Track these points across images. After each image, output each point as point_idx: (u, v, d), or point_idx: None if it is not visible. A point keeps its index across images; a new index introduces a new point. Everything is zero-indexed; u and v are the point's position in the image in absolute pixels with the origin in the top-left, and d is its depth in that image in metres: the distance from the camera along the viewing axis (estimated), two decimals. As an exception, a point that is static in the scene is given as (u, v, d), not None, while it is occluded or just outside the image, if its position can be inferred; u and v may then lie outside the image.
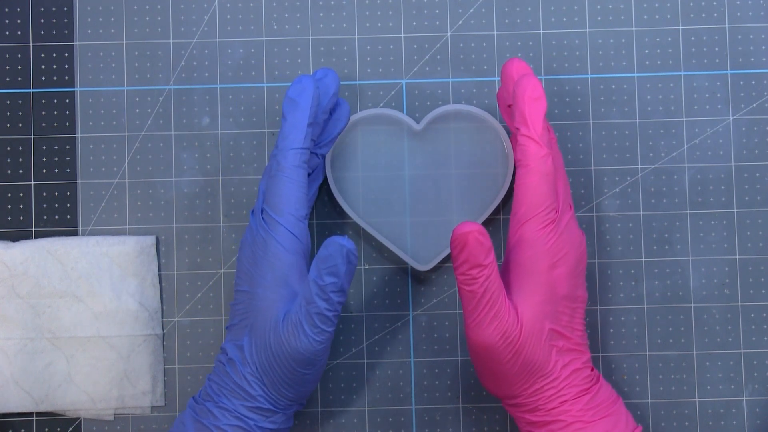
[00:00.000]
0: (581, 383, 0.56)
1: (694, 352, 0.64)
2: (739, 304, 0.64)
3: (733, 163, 0.65)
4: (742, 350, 0.64)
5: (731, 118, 0.65)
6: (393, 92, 0.65)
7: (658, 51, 0.65)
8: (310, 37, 0.65)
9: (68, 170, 0.64)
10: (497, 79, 0.65)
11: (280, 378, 0.55)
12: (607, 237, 0.64)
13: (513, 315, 0.54)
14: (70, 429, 0.63)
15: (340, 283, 0.54)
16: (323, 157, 0.62)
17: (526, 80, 0.56)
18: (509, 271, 0.56)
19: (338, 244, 0.53)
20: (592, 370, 0.57)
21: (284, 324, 0.54)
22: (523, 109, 0.55)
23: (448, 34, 0.65)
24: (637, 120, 0.65)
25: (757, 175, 0.65)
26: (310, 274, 0.54)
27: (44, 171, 0.64)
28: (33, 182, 0.64)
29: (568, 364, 0.56)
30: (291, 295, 0.55)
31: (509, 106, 0.58)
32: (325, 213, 0.64)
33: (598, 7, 0.65)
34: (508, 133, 0.64)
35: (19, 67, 0.65)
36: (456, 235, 0.53)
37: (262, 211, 0.57)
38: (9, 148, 0.64)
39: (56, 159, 0.64)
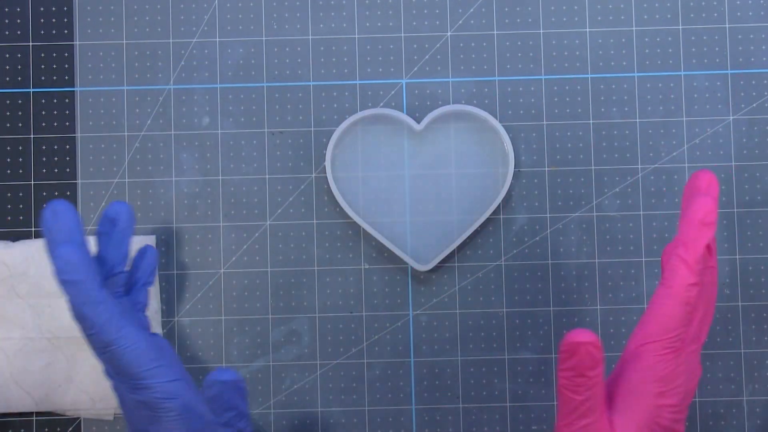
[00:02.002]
0: None
1: (694, 352, 0.64)
2: (739, 304, 0.64)
3: (733, 163, 0.65)
4: (742, 350, 0.64)
5: (731, 118, 0.65)
6: (393, 92, 0.65)
7: (658, 51, 0.65)
8: (310, 37, 0.65)
9: (68, 170, 0.64)
10: (497, 79, 0.65)
11: None
12: (607, 237, 0.64)
13: (607, 430, 0.52)
14: (70, 429, 0.63)
15: (239, 411, 0.53)
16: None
17: (702, 202, 0.52)
18: (617, 385, 0.54)
19: (219, 382, 0.52)
20: None
21: None
22: (689, 232, 0.52)
23: (448, 34, 0.65)
24: (637, 120, 0.65)
25: (757, 175, 0.65)
26: (207, 416, 0.53)
27: (44, 171, 0.64)
28: (33, 182, 0.64)
29: None
30: (200, 427, 0.54)
31: None
32: (325, 213, 0.64)
33: (598, 7, 0.65)
34: (509, 133, 0.64)
35: (19, 67, 0.65)
36: (568, 342, 0.51)
37: (121, 380, 0.53)
38: (9, 148, 0.64)
39: (56, 159, 0.65)
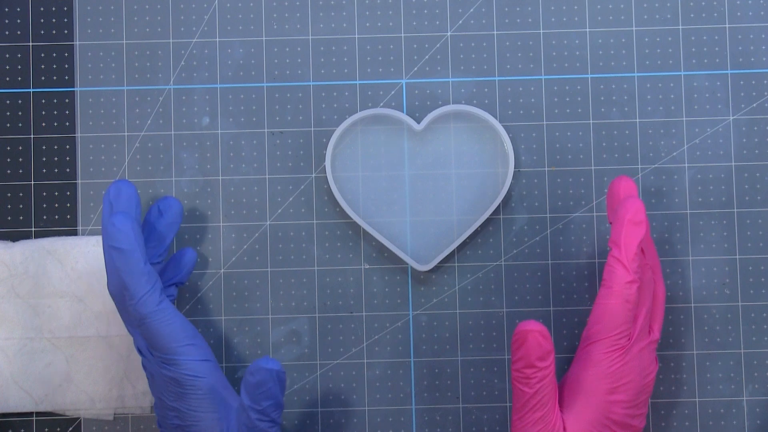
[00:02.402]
0: None
1: (694, 352, 0.64)
2: (739, 304, 0.64)
3: (733, 163, 0.65)
4: (742, 350, 0.64)
5: (731, 118, 0.65)
6: (393, 92, 0.65)
7: (658, 51, 0.65)
8: (310, 37, 0.65)
9: (68, 170, 0.64)
10: (497, 79, 0.65)
11: None
12: (607, 237, 0.64)
13: (559, 425, 0.54)
14: (70, 429, 0.63)
15: (277, 401, 0.54)
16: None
17: (630, 203, 0.55)
18: (567, 384, 0.56)
19: (266, 369, 0.53)
20: None
21: None
22: (620, 231, 0.55)
23: (448, 34, 0.65)
24: (637, 120, 0.65)
25: (757, 175, 0.65)
26: (244, 400, 0.54)
27: (44, 171, 0.64)
28: (33, 182, 0.64)
29: None
30: (225, 411, 0.55)
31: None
32: (325, 213, 0.64)
33: (598, 7, 0.65)
34: (509, 133, 0.64)
35: (19, 67, 0.65)
36: (517, 331, 0.54)
37: (152, 354, 0.56)
38: (9, 148, 0.64)
39: (56, 159, 0.65)
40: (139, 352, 0.57)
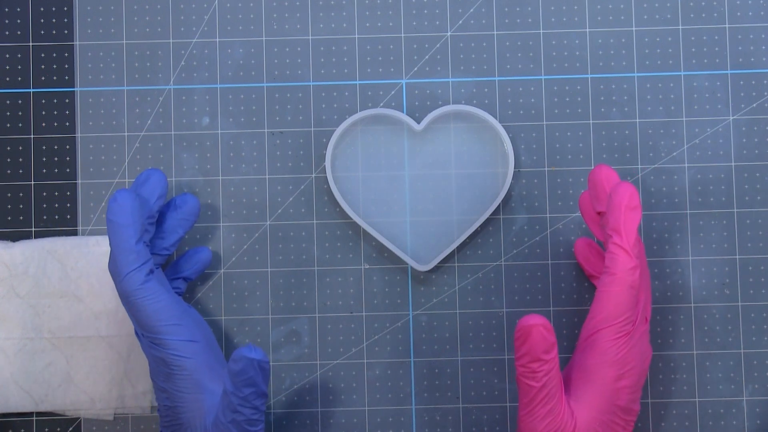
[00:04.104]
0: None
1: (694, 352, 0.64)
2: (739, 304, 0.64)
3: (733, 163, 0.65)
4: (742, 350, 0.64)
5: (731, 118, 0.65)
6: (393, 92, 0.65)
7: (658, 51, 0.65)
8: (310, 37, 0.65)
9: (68, 170, 0.64)
10: (497, 79, 0.65)
11: None
12: (607, 237, 0.64)
13: (568, 416, 0.54)
14: (70, 429, 0.63)
15: (258, 389, 0.54)
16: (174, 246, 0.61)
17: (624, 188, 0.55)
18: (573, 373, 0.56)
19: (247, 358, 0.53)
20: None
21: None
22: (619, 218, 0.54)
23: (448, 34, 0.65)
24: (637, 120, 0.65)
25: (757, 175, 0.65)
26: (227, 386, 0.54)
27: (44, 171, 0.64)
28: (33, 182, 0.64)
29: None
30: (210, 394, 0.56)
31: (599, 213, 0.58)
32: (325, 213, 0.64)
33: (598, 7, 0.65)
34: (509, 133, 0.64)
35: (19, 67, 0.65)
36: (520, 326, 0.53)
37: (141, 334, 0.56)
38: (9, 148, 0.64)
39: (56, 159, 0.65)
40: (136, 334, 0.57)
